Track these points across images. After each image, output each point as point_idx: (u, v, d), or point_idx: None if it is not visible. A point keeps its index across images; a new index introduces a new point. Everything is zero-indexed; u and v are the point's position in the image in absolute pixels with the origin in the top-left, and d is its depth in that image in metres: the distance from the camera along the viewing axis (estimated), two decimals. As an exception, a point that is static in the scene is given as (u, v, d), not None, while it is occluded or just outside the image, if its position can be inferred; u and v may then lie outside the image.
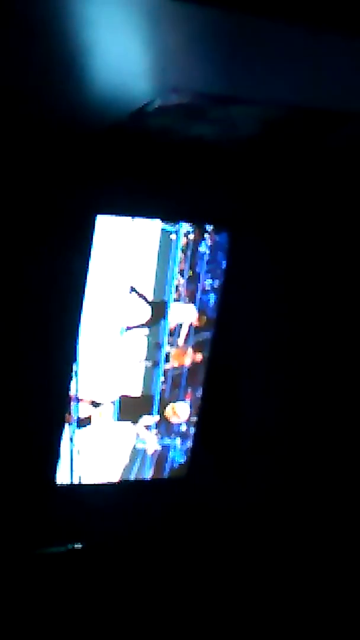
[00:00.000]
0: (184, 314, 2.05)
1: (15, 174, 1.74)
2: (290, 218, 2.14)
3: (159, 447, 2.11)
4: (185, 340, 2.07)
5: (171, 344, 2.04)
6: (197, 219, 1.98)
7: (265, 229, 2.12)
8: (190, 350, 2.08)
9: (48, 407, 1.90)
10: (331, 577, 2.24)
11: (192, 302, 2.06)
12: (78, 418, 1.95)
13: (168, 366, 2.05)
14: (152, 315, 2.01)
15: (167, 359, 2.04)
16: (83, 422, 1.97)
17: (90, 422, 1.98)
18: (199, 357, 2.09)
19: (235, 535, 2.22)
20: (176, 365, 2.07)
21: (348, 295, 2.27)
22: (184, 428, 2.12)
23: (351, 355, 2.29)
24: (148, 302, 1.99)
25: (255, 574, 2.21)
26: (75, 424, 1.95)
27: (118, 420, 2.02)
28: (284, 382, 2.25)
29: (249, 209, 2.07)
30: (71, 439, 1.96)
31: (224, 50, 1.54)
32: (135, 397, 2.04)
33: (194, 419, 2.12)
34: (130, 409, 2.04)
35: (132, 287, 1.95)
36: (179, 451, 2.14)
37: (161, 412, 2.08)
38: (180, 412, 2.10)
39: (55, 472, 1.95)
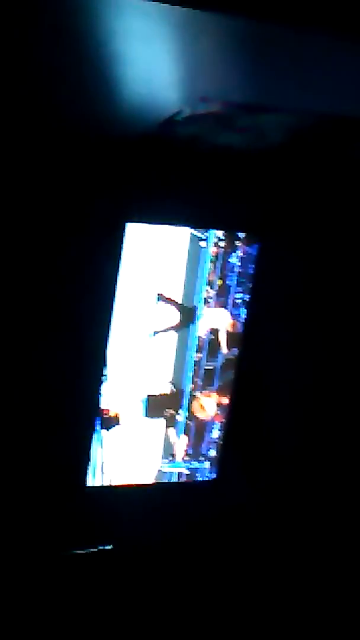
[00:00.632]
0: (218, 319, 2.05)
1: (46, 183, 1.77)
2: (319, 226, 2.14)
3: (187, 472, 2.13)
4: (228, 346, 2.07)
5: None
6: (226, 226, 1.99)
7: (294, 238, 2.12)
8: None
9: (78, 410, 1.93)
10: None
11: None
12: (107, 418, 1.97)
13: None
14: (180, 320, 2.02)
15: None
16: (111, 422, 1.99)
17: (118, 421, 1.99)
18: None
19: (265, 537, 2.22)
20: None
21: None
22: (212, 453, 2.13)
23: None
24: (177, 307, 2.00)
25: (286, 576, 2.21)
26: (104, 424, 1.97)
27: (146, 416, 2.03)
28: (312, 392, 2.25)
29: (277, 218, 2.07)
30: (101, 441, 1.99)
31: (252, 59, 1.56)
32: (164, 394, 2.06)
33: (222, 420, 2.14)
34: (158, 405, 2.06)
35: (159, 295, 1.97)
36: (207, 471, 2.15)
37: (189, 408, 2.10)
38: (208, 407, 2.11)
39: (85, 474, 1.98)
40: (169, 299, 1.99)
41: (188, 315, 2.02)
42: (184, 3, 1.35)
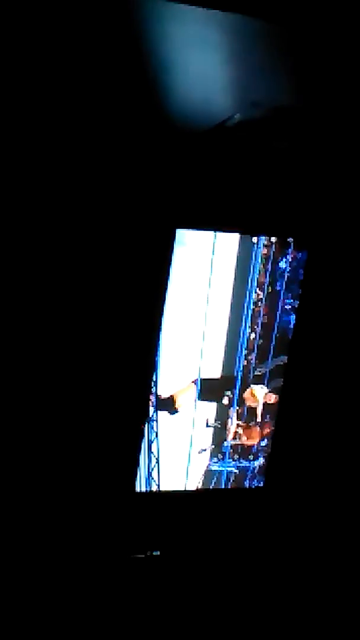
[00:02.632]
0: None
1: (96, 189, 1.79)
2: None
3: (236, 471, 2.13)
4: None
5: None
6: (275, 232, 1.99)
7: (344, 245, 2.11)
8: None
9: (128, 415, 1.94)
10: None
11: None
12: (162, 400, 1.97)
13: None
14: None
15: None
16: (166, 406, 1.98)
17: (174, 404, 1.99)
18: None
19: (314, 545, 2.20)
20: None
21: None
22: (260, 462, 2.13)
23: None
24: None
25: (336, 583, 2.19)
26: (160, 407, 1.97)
27: (199, 399, 2.03)
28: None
29: (327, 224, 2.07)
30: (149, 447, 2.00)
31: (304, 65, 1.57)
32: (216, 379, 2.05)
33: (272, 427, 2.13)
34: (211, 388, 2.05)
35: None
36: (256, 474, 2.14)
37: (240, 395, 2.09)
38: (259, 395, 2.10)
39: (134, 480, 1.98)
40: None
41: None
42: (237, 10, 1.37)
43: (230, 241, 1.97)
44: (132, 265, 1.86)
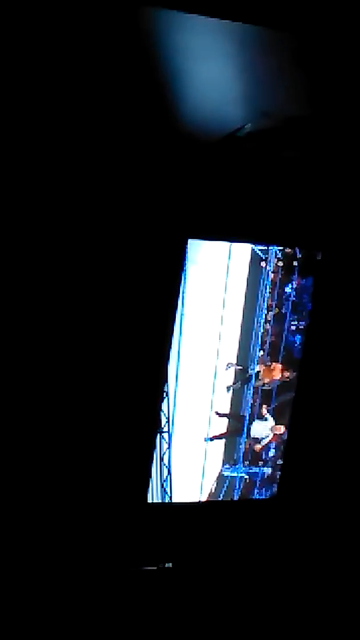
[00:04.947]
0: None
1: (108, 198, 1.80)
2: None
3: (246, 477, 2.13)
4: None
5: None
6: (286, 242, 2.00)
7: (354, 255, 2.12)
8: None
9: (140, 425, 1.94)
10: None
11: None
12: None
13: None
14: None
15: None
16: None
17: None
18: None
19: (326, 557, 2.19)
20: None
21: None
22: (269, 471, 2.15)
23: None
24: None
25: (349, 594, 2.17)
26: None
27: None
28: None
29: (338, 234, 2.08)
30: (161, 458, 1.99)
31: (313, 74, 1.58)
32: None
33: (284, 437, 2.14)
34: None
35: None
36: (266, 483, 2.15)
37: (256, 375, 2.10)
38: (275, 372, 2.12)
39: (146, 491, 1.97)
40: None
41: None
42: (247, 20, 1.38)
43: (241, 252, 1.98)
44: (143, 274, 1.87)
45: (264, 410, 2.11)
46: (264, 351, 2.09)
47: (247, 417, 2.10)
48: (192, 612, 1.99)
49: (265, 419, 2.12)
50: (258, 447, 2.13)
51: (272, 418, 2.12)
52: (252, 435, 2.12)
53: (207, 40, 1.47)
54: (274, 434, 2.14)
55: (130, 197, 1.82)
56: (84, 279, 1.81)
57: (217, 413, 2.06)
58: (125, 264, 1.85)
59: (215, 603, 2.03)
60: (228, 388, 2.05)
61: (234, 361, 2.06)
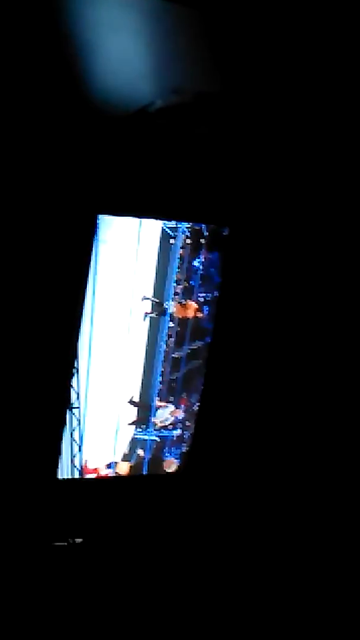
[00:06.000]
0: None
1: (16, 173, 1.77)
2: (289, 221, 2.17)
3: (157, 439, 2.20)
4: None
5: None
6: (197, 218, 2.02)
7: (261, 230, 2.15)
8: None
9: (49, 402, 1.93)
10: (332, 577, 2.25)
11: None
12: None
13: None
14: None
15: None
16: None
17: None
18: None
19: (232, 531, 2.24)
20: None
21: (347, 304, 2.28)
22: (178, 433, 2.21)
23: (352, 361, 2.30)
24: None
25: (254, 571, 2.22)
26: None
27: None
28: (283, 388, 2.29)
29: (246, 209, 2.11)
30: (71, 434, 1.99)
31: (223, 50, 1.60)
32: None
33: (195, 408, 2.19)
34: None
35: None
36: (174, 448, 2.22)
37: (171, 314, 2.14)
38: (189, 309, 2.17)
39: (56, 467, 1.97)
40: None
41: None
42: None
43: (151, 228, 2.00)
44: (53, 251, 1.85)
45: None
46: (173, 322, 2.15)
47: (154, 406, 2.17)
48: (103, 587, 2.01)
49: (167, 406, 2.20)
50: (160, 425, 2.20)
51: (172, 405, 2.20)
52: (157, 418, 2.19)
53: (117, 14, 1.46)
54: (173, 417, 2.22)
55: (38, 173, 1.79)
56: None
57: (130, 402, 2.12)
58: (34, 240, 1.82)
59: (126, 577, 2.05)
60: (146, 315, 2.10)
61: (145, 336, 2.09)
